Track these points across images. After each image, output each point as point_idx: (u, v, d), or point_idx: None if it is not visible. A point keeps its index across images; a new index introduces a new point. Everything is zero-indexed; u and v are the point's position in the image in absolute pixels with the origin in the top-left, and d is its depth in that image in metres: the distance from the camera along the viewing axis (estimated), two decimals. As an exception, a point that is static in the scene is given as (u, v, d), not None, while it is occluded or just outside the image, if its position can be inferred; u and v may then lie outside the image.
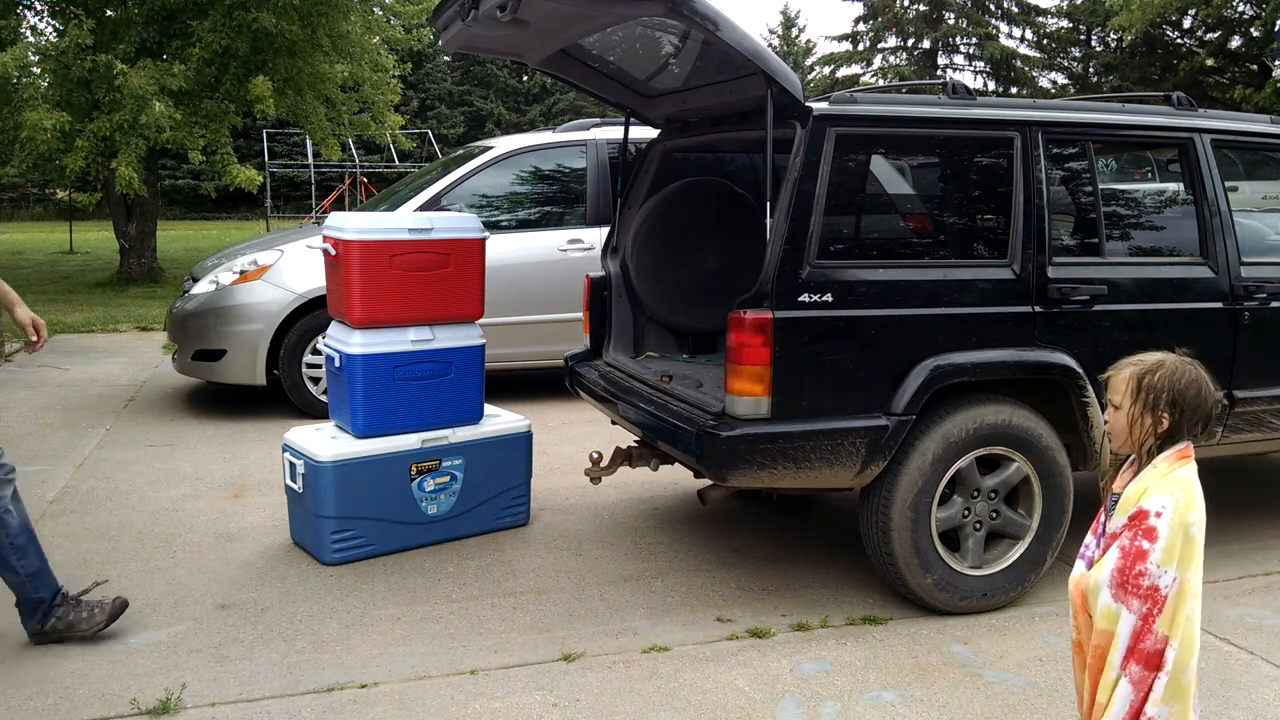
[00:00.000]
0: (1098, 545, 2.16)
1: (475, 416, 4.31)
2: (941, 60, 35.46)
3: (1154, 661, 2.08)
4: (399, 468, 4.04)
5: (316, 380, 6.17)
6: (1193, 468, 2.12)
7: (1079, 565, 2.17)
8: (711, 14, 3.02)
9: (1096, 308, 3.61)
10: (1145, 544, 2.06)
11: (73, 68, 11.20)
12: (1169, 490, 2.08)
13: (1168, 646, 2.07)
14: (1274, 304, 3.93)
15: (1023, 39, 34.74)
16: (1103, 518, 2.20)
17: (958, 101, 3.59)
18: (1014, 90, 33.92)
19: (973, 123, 3.57)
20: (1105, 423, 2.22)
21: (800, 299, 3.23)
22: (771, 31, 48.19)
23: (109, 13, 12.52)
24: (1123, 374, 2.14)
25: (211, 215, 34.03)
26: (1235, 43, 26.11)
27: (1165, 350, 2.15)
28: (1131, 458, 2.19)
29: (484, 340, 4.34)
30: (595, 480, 4.16)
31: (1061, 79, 34.51)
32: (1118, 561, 2.09)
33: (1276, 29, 22.33)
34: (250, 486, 4.97)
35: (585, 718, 2.88)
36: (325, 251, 4.37)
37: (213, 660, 3.17)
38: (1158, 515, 2.06)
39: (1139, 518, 2.08)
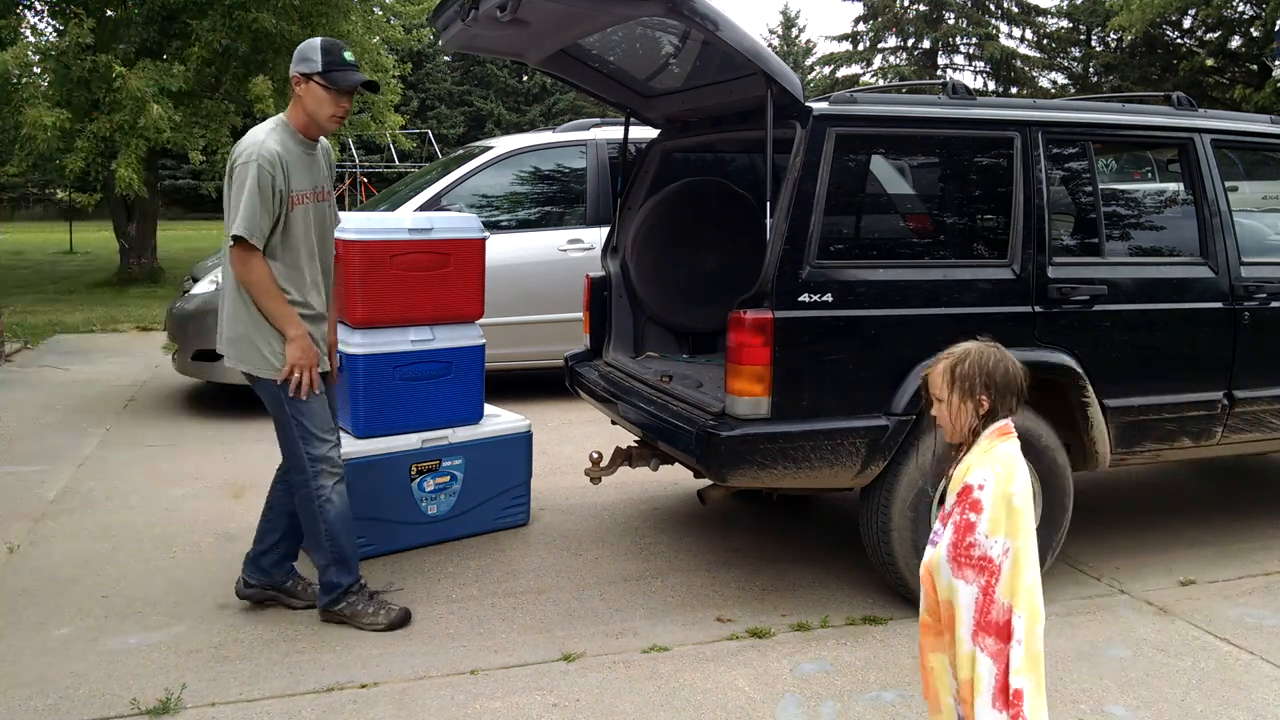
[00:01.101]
0: (943, 529, 2.26)
1: (475, 416, 4.30)
2: (941, 60, 35.47)
3: (1005, 632, 2.16)
4: (399, 468, 4.04)
5: (316, 380, 6.16)
6: (1013, 443, 2.23)
7: (928, 549, 2.27)
8: (711, 14, 3.02)
9: (1096, 308, 3.61)
10: (972, 516, 2.19)
11: (72, 67, 11.20)
12: (989, 464, 2.20)
13: (1013, 615, 2.15)
14: (1274, 304, 3.93)
15: (1023, 39, 34.76)
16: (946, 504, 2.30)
17: (958, 101, 3.59)
18: (1014, 90, 33.92)
19: (973, 123, 3.57)
20: (934, 418, 2.33)
21: (800, 299, 3.23)
22: (771, 31, 48.25)
23: (109, 12, 12.53)
24: (937, 369, 2.28)
25: (212, 215, 34.02)
26: (1235, 43, 26.11)
27: (973, 340, 2.29)
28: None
29: (484, 340, 4.34)
30: (595, 480, 4.16)
31: (1061, 79, 34.52)
32: (951, 536, 2.22)
33: (1276, 29, 22.34)
34: (250, 486, 4.97)
35: (585, 718, 2.88)
36: (325, 251, 4.37)
37: (213, 660, 3.17)
38: (980, 488, 2.19)
39: (964, 493, 2.21)
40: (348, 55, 3.28)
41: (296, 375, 3.23)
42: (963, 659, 2.20)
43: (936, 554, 2.23)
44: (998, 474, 2.19)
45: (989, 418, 2.24)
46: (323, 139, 3.48)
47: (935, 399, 2.30)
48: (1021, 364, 2.31)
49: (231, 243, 3.17)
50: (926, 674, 2.31)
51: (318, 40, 3.30)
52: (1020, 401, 2.26)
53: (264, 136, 3.24)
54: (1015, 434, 2.24)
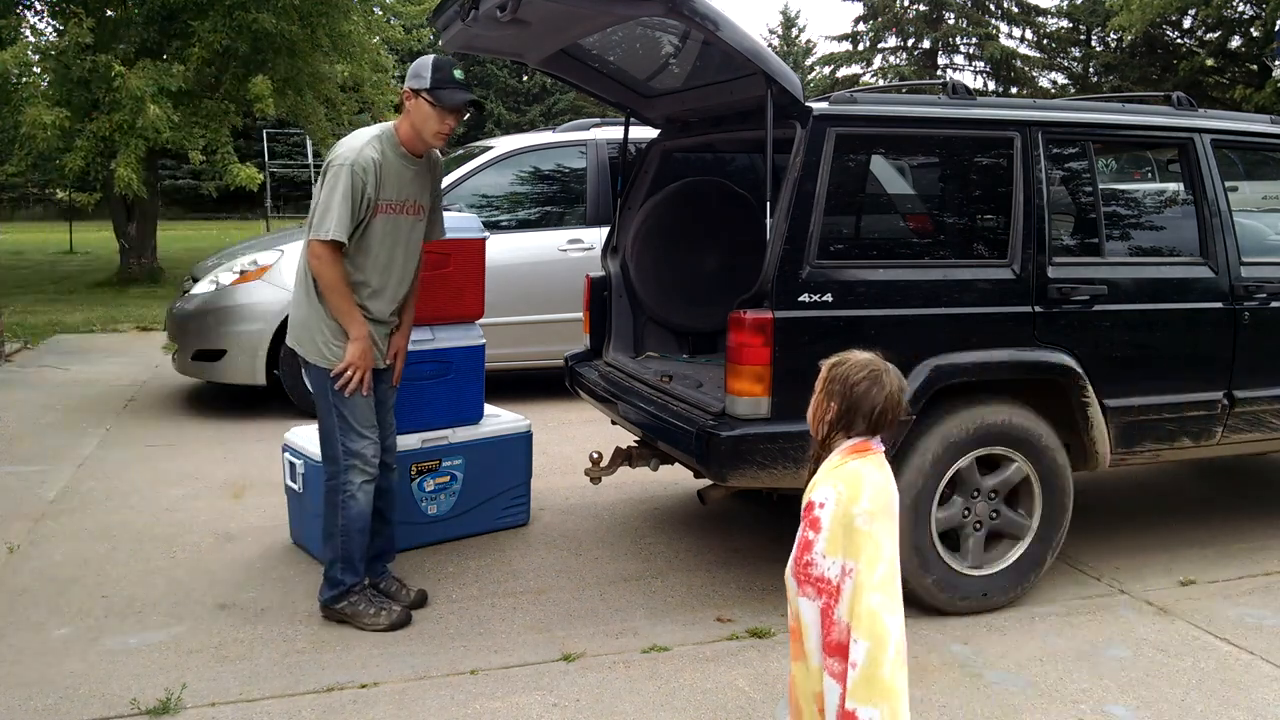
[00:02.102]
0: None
1: (475, 416, 4.30)
2: (941, 60, 35.48)
3: (844, 653, 2.10)
4: (399, 468, 4.03)
5: (316, 380, 6.16)
6: (869, 462, 2.16)
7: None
8: (711, 14, 3.01)
9: (1096, 308, 3.61)
10: (811, 534, 2.15)
11: (72, 67, 11.20)
12: (833, 482, 2.15)
13: (852, 640, 2.07)
14: (1274, 304, 3.93)
15: (1023, 39, 34.76)
16: None
17: (958, 101, 3.59)
18: (1014, 90, 33.93)
19: (973, 123, 3.57)
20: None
21: (800, 299, 3.23)
22: (771, 31, 48.24)
23: (109, 12, 12.53)
24: (825, 364, 2.26)
25: (211, 215, 34.05)
26: (1235, 43, 26.12)
27: (870, 355, 2.23)
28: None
29: (484, 340, 4.34)
30: (595, 480, 4.16)
31: (1061, 79, 34.53)
32: (795, 551, 2.18)
33: (1276, 29, 22.34)
34: (250, 486, 4.97)
35: (585, 718, 2.88)
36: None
37: (213, 660, 3.17)
38: (821, 506, 2.14)
39: (808, 509, 2.17)
40: (457, 73, 3.29)
41: (350, 374, 3.29)
42: (813, 673, 2.18)
43: (789, 567, 2.20)
44: (839, 493, 2.14)
45: (840, 427, 2.19)
46: (434, 152, 3.50)
47: (816, 387, 2.28)
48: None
49: (313, 239, 3.23)
50: (791, 681, 2.26)
51: (430, 57, 3.31)
52: (872, 427, 2.19)
53: (362, 143, 3.27)
54: (877, 452, 2.19)
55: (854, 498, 2.12)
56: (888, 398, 2.18)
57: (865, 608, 2.08)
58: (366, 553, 3.52)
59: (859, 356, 2.23)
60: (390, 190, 3.32)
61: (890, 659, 2.07)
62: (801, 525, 2.17)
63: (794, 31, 48.08)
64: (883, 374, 2.20)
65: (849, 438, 2.18)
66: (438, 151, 3.54)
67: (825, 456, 2.20)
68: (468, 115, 3.48)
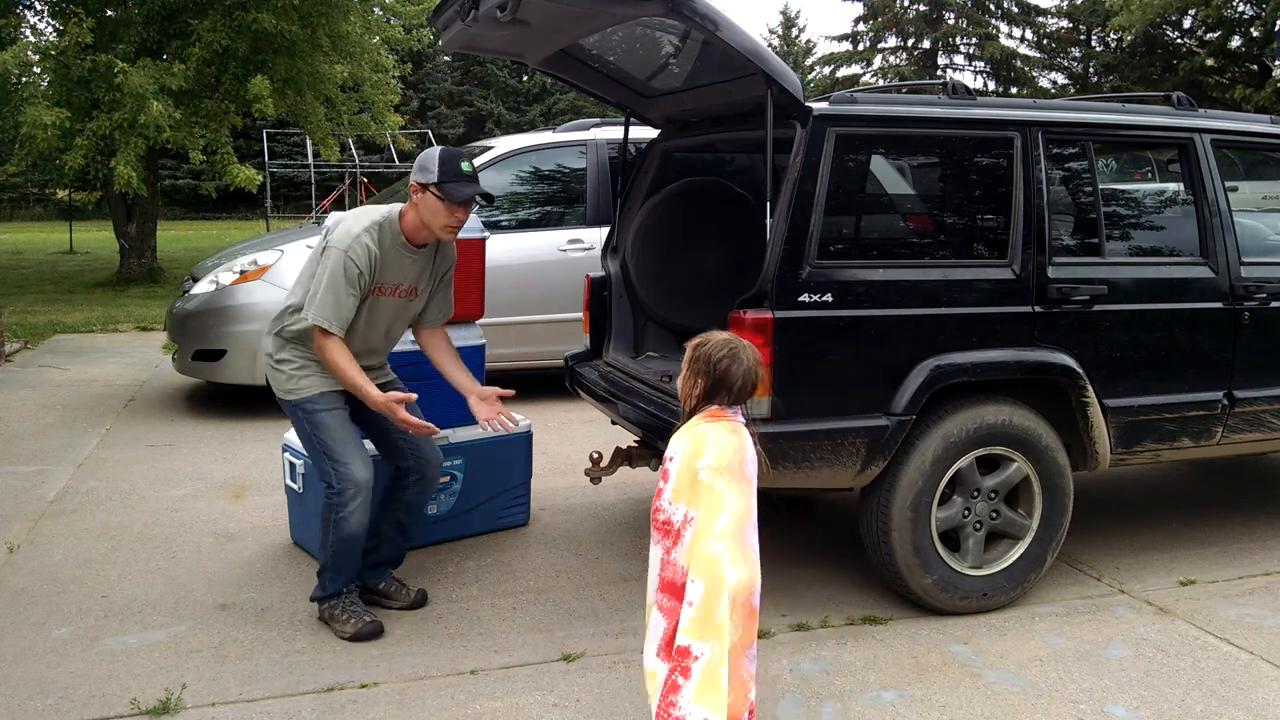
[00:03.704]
0: None
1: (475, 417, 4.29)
2: (941, 60, 35.50)
3: (678, 591, 2.38)
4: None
5: (316, 380, 6.16)
6: (719, 426, 2.46)
7: None
8: (711, 14, 3.01)
9: (1096, 308, 3.61)
10: (662, 484, 2.46)
11: (72, 67, 11.20)
12: (683, 439, 2.46)
13: (689, 580, 2.36)
14: (1274, 304, 3.93)
15: (1023, 39, 34.79)
16: None
17: (958, 101, 3.59)
18: (1014, 90, 33.94)
19: (973, 123, 3.57)
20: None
21: (800, 299, 3.23)
22: (771, 31, 48.24)
23: (109, 12, 12.53)
24: (689, 345, 2.57)
25: (211, 215, 34.04)
26: (1235, 43, 26.12)
27: (726, 334, 2.58)
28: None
29: (484, 340, 4.34)
30: (595, 480, 4.16)
31: (1061, 79, 34.55)
32: (653, 501, 2.48)
33: (1276, 29, 22.35)
34: (250, 486, 4.97)
35: (585, 718, 2.88)
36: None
37: (213, 660, 3.17)
38: (670, 459, 2.46)
39: (663, 462, 2.49)
40: (465, 166, 3.27)
41: (399, 409, 3.25)
42: (647, 609, 2.47)
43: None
44: (686, 448, 2.43)
45: (703, 399, 2.50)
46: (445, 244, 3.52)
47: (682, 367, 2.57)
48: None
49: (315, 325, 3.24)
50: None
51: (436, 150, 3.30)
52: (735, 399, 2.50)
53: (360, 230, 3.25)
54: (731, 420, 2.48)
55: (698, 453, 2.41)
56: (745, 372, 2.51)
57: (704, 552, 2.35)
58: (370, 559, 3.52)
59: (719, 336, 2.55)
60: (387, 275, 3.33)
61: (724, 603, 2.32)
62: (659, 479, 2.48)
63: (794, 31, 48.08)
64: (740, 350, 2.51)
65: (710, 405, 2.50)
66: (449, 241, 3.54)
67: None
68: (477, 207, 3.44)
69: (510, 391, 3.52)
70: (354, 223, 3.27)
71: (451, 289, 3.64)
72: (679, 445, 2.45)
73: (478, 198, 3.28)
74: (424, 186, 3.25)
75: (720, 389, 2.48)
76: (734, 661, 2.37)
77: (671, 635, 2.37)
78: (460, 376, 3.55)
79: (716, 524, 2.36)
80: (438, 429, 3.36)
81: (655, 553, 2.45)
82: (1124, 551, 4.24)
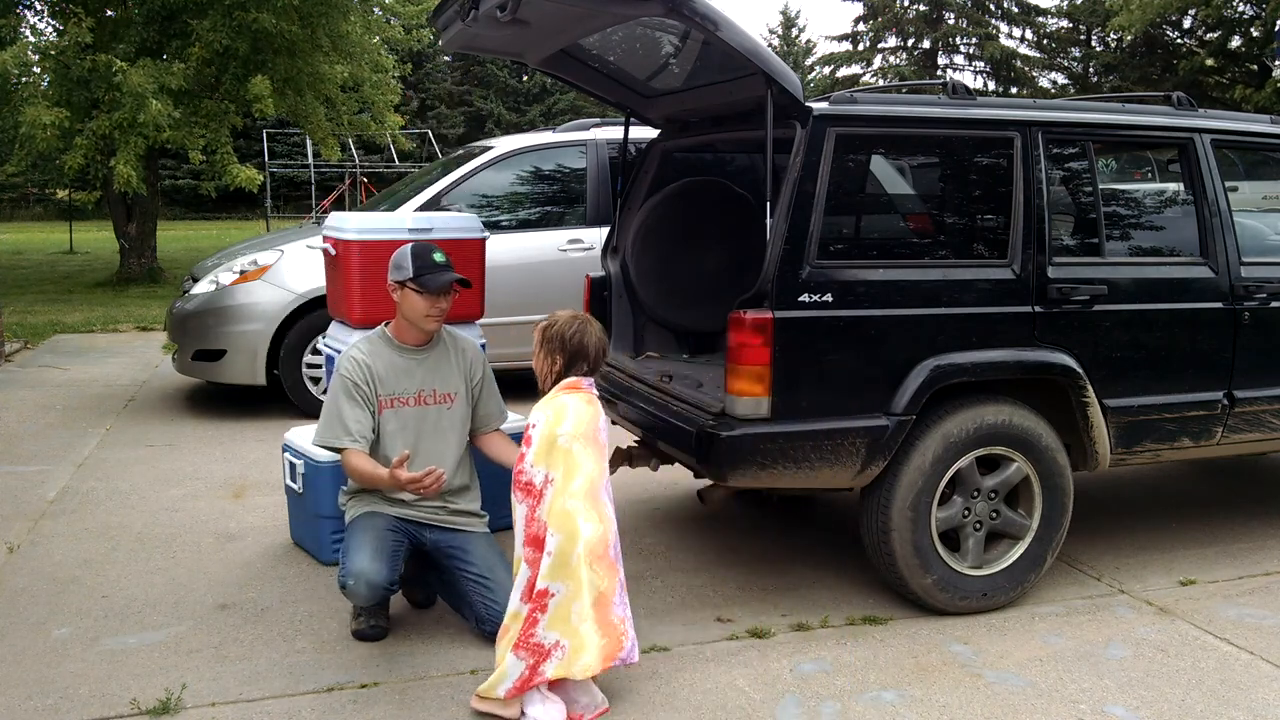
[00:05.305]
0: None
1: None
2: (941, 60, 35.51)
3: (540, 544, 2.70)
4: (399, 468, 4.03)
5: (316, 380, 6.17)
6: (577, 397, 2.80)
7: None
8: (711, 14, 3.01)
9: (1096, 308, 3.61)
10: (525, 449, 2.76)
11: (72, 67, 11.20)
12: (544, 409, 2.79)
13: (548, 533, 2.68)
14: (1274, 304, 3.93)
15: (1023, 39, 34.80)
16: None
17: (958, 101, 3.59)
18: (1014, 90, 33.94)
19: (973, 123, 3.57)
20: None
21: (800, 299, 3.23)
22: (771, 31, 48.25)
23: (109, 12, 12.52)
24: (538, 327, 2.88)
25: (211, 215, 34.03)
26: (1235, 43, 26.13)
27: (569, 311, 2.92)
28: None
29: (484, 340, 4.33)
30: (595, 480, 4.15)
31: (1061, 79, 34.55)
32: (516, 465, 2.79)
33: (1276, 29, 22.35)
34: (250, 486, 4.97)
35: (585, 718, 2.87)
36: (325, 251, 4.38)
37: (213, 660, 3.17)
38: (533, 427, 2.77)
39: (525, 430, 2.79)
40: (437, 257, 3.31)
41: (423, 480, 3.07)
42: (514, 562, 2.78)
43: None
44: (548, 416, 2.75)
45: (563, 374, 2.82)
46: (461, 338, 3.52)
47: (534, 353, 2.86)
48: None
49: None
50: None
51: (407, 248, 3.33)
52: (593, 366, 2.85)
53: (351, 345, 3.38)
54: (587, 391, 2.82)
55: (558, 421, 2.74)
56: (597, 340, 2.87)
57: (561, 508, 2.67)
58: (407, 575, 3.41)
59: (564, 314, 2.86)
60: (391, 385, 3.33)
61: (579, 553, 2.66)
62: (522, 445, 2.79)
63: (794, 31, 48.09)
64: (587, 323, 2.87)
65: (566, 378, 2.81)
66: (466, 336, 3.54)
67: None
68: (456, 293, 3.42)
69: None
70: (350, 344, 3.44)
71: (495, 388, 3.57)
72: (541, 415, 2.75)
73: (455, 285, 3.32)
74: (401, 284, 3.29)
75: (579, 359, 2.82)
76: (602, 610, 2.69)
77: (533, 582, 2.68)
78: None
79: (573, 484, 2.68)
80: (440, 468, 3.13)
81: (520, 511, 2.74)
82: (1124, 551, 4.24)
